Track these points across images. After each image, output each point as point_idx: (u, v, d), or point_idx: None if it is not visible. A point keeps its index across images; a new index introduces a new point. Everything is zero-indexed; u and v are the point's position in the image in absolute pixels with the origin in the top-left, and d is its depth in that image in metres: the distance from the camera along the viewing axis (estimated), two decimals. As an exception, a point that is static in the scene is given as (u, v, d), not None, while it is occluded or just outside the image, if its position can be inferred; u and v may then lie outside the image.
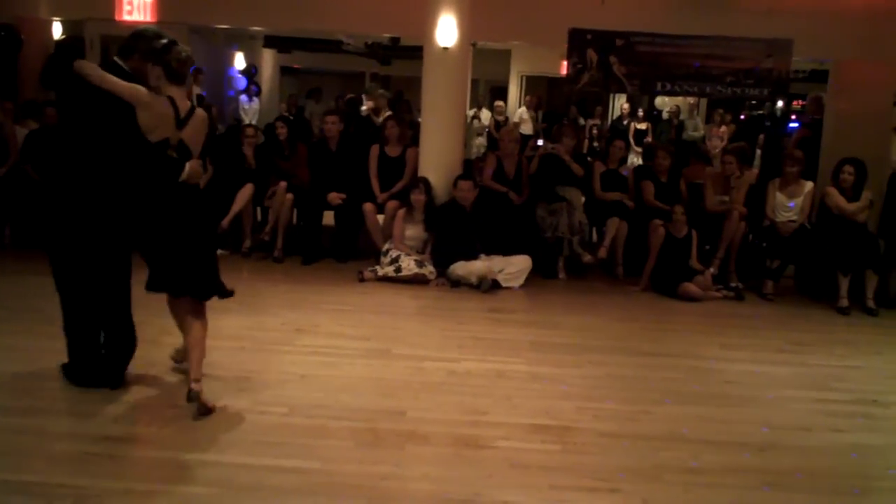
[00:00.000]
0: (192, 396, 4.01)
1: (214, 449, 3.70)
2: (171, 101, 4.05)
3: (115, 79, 3.96)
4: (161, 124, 4.01)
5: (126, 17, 9.43)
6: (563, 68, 10.77)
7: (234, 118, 14.09)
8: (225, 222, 7.76)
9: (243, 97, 14.78)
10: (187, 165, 4.07)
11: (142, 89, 3.99)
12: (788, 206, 7.58)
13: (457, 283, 7.11)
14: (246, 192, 7.90)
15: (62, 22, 10.31)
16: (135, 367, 4.60)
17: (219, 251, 7.72)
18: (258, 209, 8.36)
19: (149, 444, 3.76)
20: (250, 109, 14.53)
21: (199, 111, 4.22)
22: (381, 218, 7.79)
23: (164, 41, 4.08)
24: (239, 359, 4.95)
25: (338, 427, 4.02)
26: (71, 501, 3.18)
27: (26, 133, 8.19)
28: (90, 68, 3.97)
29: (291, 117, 11.85)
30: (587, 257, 7.70)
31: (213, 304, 6.06)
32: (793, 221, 7.51)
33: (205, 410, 4.02)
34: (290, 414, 4.15)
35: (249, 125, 9.61)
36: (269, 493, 3.33)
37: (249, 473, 3.49)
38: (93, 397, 4.22)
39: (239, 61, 15.97)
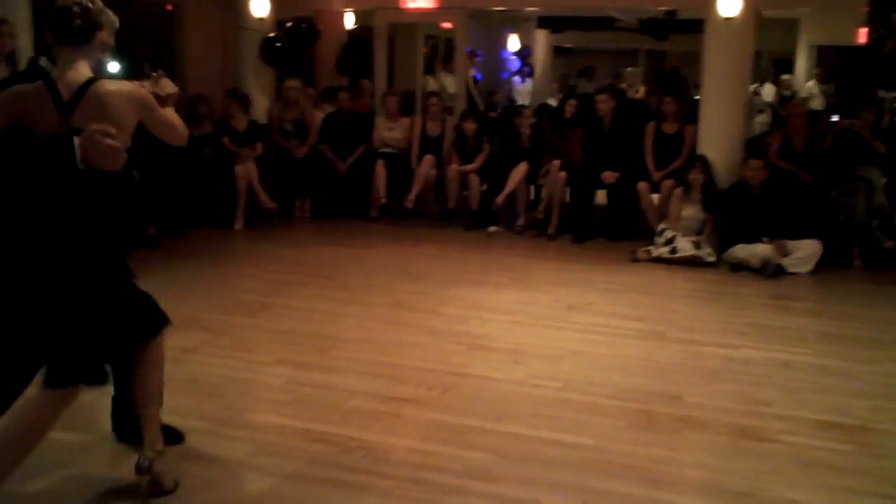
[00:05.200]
0: None
1: (492, 417, 3.82)
2: (48, 81, 2.75)
3: None
4: (38, 115, 2.72)
5: (410, 5, 9.95)
6: (861, 36, 9.81)
7: (508, 99, 14.39)
8: (500, 199, 8.02)
9: (516, 78, 15.04)
10: (76, 140, 2.64)
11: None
12: None
13: (737, 267, 6.75)
14: (520, 170, 8.06)
15: (354, 12, 11.11)
16: (415, 332, 4.88)
17: (492, 228, 8.13)
18: (532, 188, 8.49)
19: (432, 406, 3.95)
20: (523, 90, 14.74)
21: (106, 85, 2.78)
22: (655, 197, 7.59)
23: None
24: (513, 332, 5.07)
25: (611, 406, 3.98)
26: (362, 454, 3.42)
27: (323, 116, 8.95)
28: None
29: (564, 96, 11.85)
30: (888, 243, 6.97)
31: (488, 280, 6.35)
32: None
33: None
34: (564, 389, 4.17)
35: (523, 105, 9.78)
36: (542, 464, 3.37)
37: (524, 444, 3.56)
38: (381, 360, 4.53)
39: (513, 43, 16.25)
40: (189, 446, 3.43)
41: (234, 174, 8.06)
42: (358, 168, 8.68)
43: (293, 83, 8.81)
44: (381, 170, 8.50)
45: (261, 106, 8.85)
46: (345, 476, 3.24)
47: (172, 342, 4.67)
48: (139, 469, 2.98)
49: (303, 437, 3.58)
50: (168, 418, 3.50)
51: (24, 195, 2.71)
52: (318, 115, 8.96)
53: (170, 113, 3.05)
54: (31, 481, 3.07)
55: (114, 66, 8.78)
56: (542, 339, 4.94)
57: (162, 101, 3.01)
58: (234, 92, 8.56)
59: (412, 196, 8.38)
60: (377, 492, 3.13)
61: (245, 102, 8.48)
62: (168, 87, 3.06)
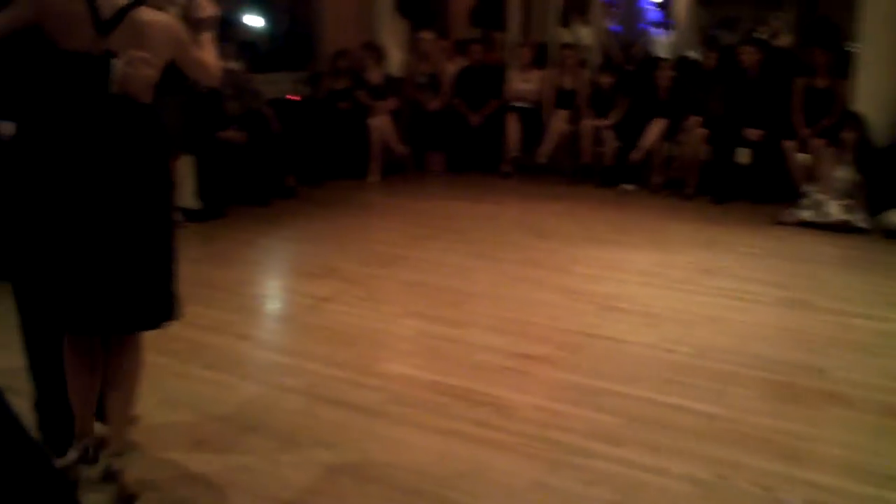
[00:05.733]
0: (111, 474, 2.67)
1: (621, 380, 3.74)
2: None
3: None
4: (69, 27, 2.45)
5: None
6: None
7: (646, 51, 13.90)
8: (636, 156, 7.81)
9: (655, 30, 14.50)
10: (116, 64, 2.44)
11: None
12: None
13: (893, 234, 6.32)
14: (657, 126, 7.80)
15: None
16: (546, 290, 4.83)
17: (627, 186, 7.93)
18: (669, 144, 8.20)
19: (560, 366, 3.91)
20: (663, 42, 14.21)
21: (146, 14, 2.54)
22: (803, 157, 7.18)
23: None
24: (646, 294, 4.95)
25: (749, 376, 3.82)
26: (489, 409, 3.43)
27: (456, 69, 8.91)
28: None
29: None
30: None
31: (621, 239, 6.20)
32: None
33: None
34: (698, 356, 4.03)
35: (662, 58, 9.41)
36: (672, 431, 3.28)
37: (654, 409, 3.47)
38: (511, 316, 4.52)
39: (654, -7, 15.66)
40: (324, 391, 3.55)
41: (368, 127, 8.17)
42: (491, 122, 8.63)
43: (427, 35, 8.80)
44: (513, 124, 8.43)
45: (395, 59, 8.90)
46: (471, 429, 3.26)
47: (311, 289, 4.89)
48: (106, 476, 2.64)
49: (431, 388, 3.63)
50: (305, 364, 3.63)
51: (52, 115, 2.45)
52: (451, 68, 8.93)
53: (207, 44, 2.73)
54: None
55: (257, 21, 8.98)
56: (677, 303, 4.79)
57: (199, 24, 2.70)
58: (370, 45, 8.64)
59: (545, 151, 8.27)
60: (501, 447, 3.13)
61: (380, 55, 8.56)
62: (207, 7, 2.71)
